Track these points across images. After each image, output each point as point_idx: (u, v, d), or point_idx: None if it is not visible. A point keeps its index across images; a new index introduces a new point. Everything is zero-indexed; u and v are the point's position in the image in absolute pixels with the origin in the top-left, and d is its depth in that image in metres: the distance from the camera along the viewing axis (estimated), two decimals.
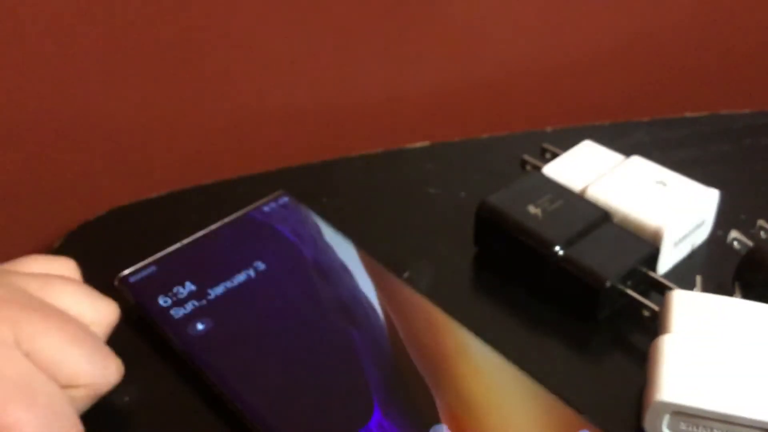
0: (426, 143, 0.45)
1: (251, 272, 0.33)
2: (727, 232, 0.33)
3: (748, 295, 0.31)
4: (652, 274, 0.32)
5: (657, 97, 0.53)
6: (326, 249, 0.34)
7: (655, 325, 0.30)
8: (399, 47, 0.47)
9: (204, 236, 0.35)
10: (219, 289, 0.32)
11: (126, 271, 0.33)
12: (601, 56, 0.52)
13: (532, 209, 0.34)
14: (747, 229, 0.33)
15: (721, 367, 0.27)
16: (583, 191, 0.36)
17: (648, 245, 0.33)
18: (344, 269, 0.33)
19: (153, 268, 0.33)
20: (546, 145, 0.39)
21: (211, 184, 0.42)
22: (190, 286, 0.32)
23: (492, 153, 0.44)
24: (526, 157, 0.39)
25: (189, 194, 0.41)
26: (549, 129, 0.45)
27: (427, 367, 0.29)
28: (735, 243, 0.33)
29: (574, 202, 0.35)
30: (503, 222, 0.34)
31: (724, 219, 0.36)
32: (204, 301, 0.31)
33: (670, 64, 0.53)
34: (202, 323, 0.30)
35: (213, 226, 0.35)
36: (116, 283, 0.33)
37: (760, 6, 0.52)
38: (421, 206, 0.40)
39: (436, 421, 0.27)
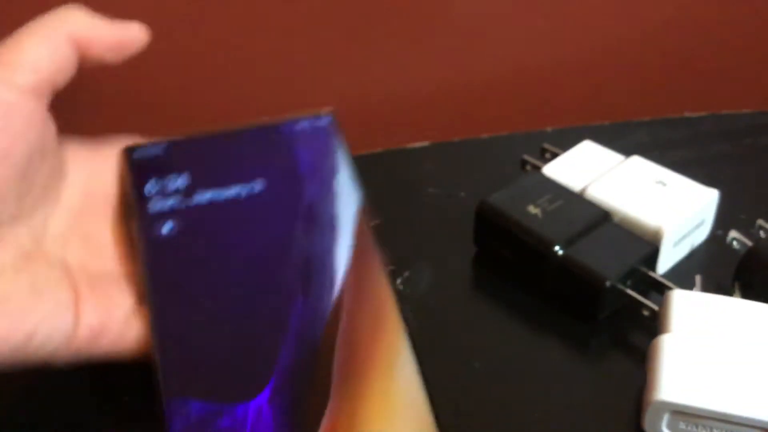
0: (426, 143, 0.45)
1: (243, 191, 0.30)
2: (726, 232, 0.33)
3: (747, 294, 0.31)
4: (651, 273, 0.32)
5: (657, 97, 0.53)
6: (329, 196, 0.31)
7: (654, 325, 0.30)
8: (399, 47, 0.47)
9: (225, 134, 0.32)
10: (205, 196, 0.30)
11: (132, 144, 0.31)
12: (601, 56, 0.52)
13: (532, 209, 0.34)
14: (746, 228, 0.33)
15: (720, 366, 0.27)
16: (583, 191, 0.36)
17: (648, 245, 0.33)
18: (331, 228, 0.30)
19: (159, 150, 0.31)
20: (546, 145, 0.39)
21: None
22: (181, 181, 0.30)
23: (492, 153, 0.44)
24: (527, 157, 0.39)
25: None
26: (549, 129, 0.45)
27: (343, 370, 0.26)
28: (734, 242, 0.33)
29: (574, 201, 0.35)
30: (503, 222, 0.34)
31: (723, 219, 0.36)
32: (184, 204, 0.29)
33: (670, 64, 0.53)
34: (171, 226, 0.29)
35: (241, 127, 0.32)
36: (120, 154, 0.31)
37: (761, 6, 0.52)
38: (421, 206, 0.40)
39: (315, 429, 0.25)
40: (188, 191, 0.30)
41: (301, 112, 0.33)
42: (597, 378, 0.30)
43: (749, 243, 0.33)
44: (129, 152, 0.31)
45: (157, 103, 0.45)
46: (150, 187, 0.30)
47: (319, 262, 0.29)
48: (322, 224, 0.30)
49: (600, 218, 0.34)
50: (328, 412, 0.25)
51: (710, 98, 0.53)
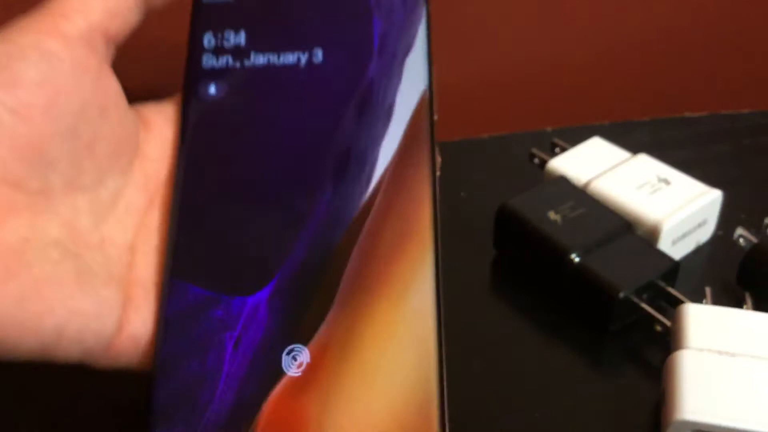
0: None
1: (302, 58, 0.27)
2: (727, 232, 0.33)
3: (758, 302, 0.31)
4: (661, 284, 0.31)
5: (657, 97, 0.53)
6: (393, 79, 0.27)
7: (667, 340, 0.30)
8: None
9: None
10: (259, 60, 0.26)
11: None
12: (601, 56, 0.52)
13: (552, 215, 0.33)
14: (747, 228, 0.33)
15: (740, 383, 0.26)
16: (587, 185, 0.36)
17: (668, 260, 0.32)
18: (385, 116, 0.26)
19: None
20: (555, 140, 0.39)
21: None
22: (240, 38, 0.27)
23: (493, 153, 0.44)
24: (535, 150, 0.39)
25: None
26: (549, 129, 0.45)
27: (354, 280, 0.23)
28: (741, 240, 0.33)
29: (597, 210, 0.34)
30: (521, 226, 0.34)
31: (724, 219, 0.36)
32: (237, 65, 0.26)
33: (670, 64, 0.53)
34: (217, 87, 0.26)
35: None
36: None
37: (760, 6, 0.52)
38: None
39: (309, 337, 0.23)
40: (242, 53, 0.27)
41: None
42: (606, 390, 0.30)
43: (755, 240, 0.32)
44: None
45: None
46: (207, 40, 0.27)
47: (361, 154, 0.25)
48: (376, 110, 0.26)
49: (622, 228, 0.33)
50: (325, 323, 0.23)
51: (710, 98, 0.53)
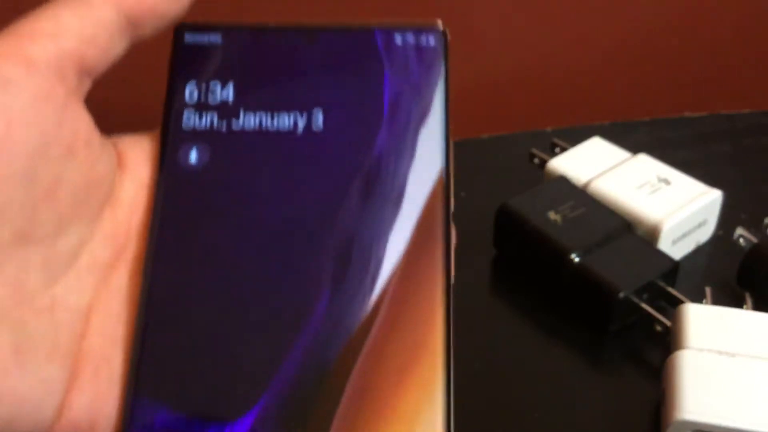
0: None
1: (299, 122, 0.22)
2: (727, 232, 0.33)
3: (757, 301, 0.31)
4: (661, 284, 0.31)
5: (657, 97, 0.53)
6: (405, 153, 0.22)
7: (667, 340, 0.30)
8: None
9: (296, 31, 0.24)
10: (249, 122, 0.22)
11: (189, 24, 0.23)
12: (601, 56, 0.52)
13: (552, 215, 0.33)
14: (747, 228, 0.33)
15: (740, 382, 0.26)
16: (587, 185, 0.36)
17: (668, 260, 0.32)
18: (395, 200, 0.22)
19: (217, 38, 0.23)
20: (555, 140, 0.39)
21: None
22: (228, 92, 0.23)
23: (492, 153, 0.44)
24: (535, 150, 0.39)
25: None
26: (549, 129, 0.45)
27: (353, 407, 0.20)
28: (741, 240, 0.33)
29: (597, 210, 0.34)
30: (521, 226, 0.34)
31: (724, 218, 0.36)
32: (223, 126, 0.22)
33: (670, 64, 0.53)
34: (197, 156, 0.22)
35: (319, 25, 0.24)
36: (174, 31, 0.24)
37: (760, 7, 0.52)
38: None
39: None
40: (230, 111, 0.22)
41: (395, 21, 0.24)
42: (606, 390, 0.30)
43: (755, 240, 0.32)
44: (180, 33, 0.23)
45: None
46: (191, 91, 0.23)
47: (365, 247, 0.21)
48: (385, 192, 0.22)
49: (621, 229, 0.33)
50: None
51: (710, 98, 0.53)
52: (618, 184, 0.35)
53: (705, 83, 0.54)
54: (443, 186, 0.22)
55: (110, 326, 0.20)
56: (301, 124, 0.22)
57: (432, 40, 0.23)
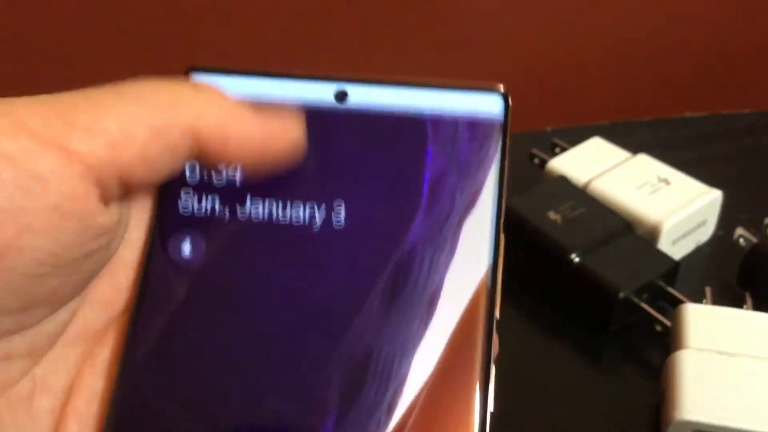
0: None
1: (316, 216, 0.18)
2: (727, 232, 0.33)
3: (756, 301, 0.31)
4: (662, 284, 0.31)
5: (657, 97, 0.53)
6: (442, 247, 0.18)
7: (667, 340, 0.30)
8: (401, 47, 0.47)
9: (333, 109, 0.19)
10: (259, 210, 0.19)
11: (201, 66, 0.20)
12: (601, 57, 0.52)
13: (552, 215, 0.33)
14: (747, 228, 0.33)
15: (740, 383, 0.26)
16: (587, 185, 0.36)
17: (668, 260, 0.32)
18: (427, 307, 0.18)
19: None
20: (556, 140, 0.39)
21: None
22: (234, 172, 0.19)
23: None
24: (535, 150, 0.39)
25: None
26: (549, 128, 0.45)
27: None
28: (741, 240, 0.33)
29: (597, 210, 0.34)
30: (521, 226, 0.34)
31: (724, 219, 0.36)
32: (225, 214, 0.19)
33: (670, 64, 0.53)
34: (193, 248, 0.18)
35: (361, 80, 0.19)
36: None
37: (760, 7, 0.52)
38: None
39: None
40: (239, 192, 0.19)
41: (443, 81, 0.19)
42: (606, 390, 0.30)
43: (755, 240, 0.32)
44: (187, 74, 0.20)
45: None
46: (191, 166, 0.19)
47: (385, 365, 0.17)
48: (413, 298, 0.18)
49: (622, 229, 0.33)
50: None
51: (710, 98, 0.53)
52: (618, 184, 0.35)
53: (705, 83, 0.54)
54: (487, 289, 0.18)
55: (91, 409, 0.17)
56: (318, 217, 0.18)
57: (490, 107, 0.19)
